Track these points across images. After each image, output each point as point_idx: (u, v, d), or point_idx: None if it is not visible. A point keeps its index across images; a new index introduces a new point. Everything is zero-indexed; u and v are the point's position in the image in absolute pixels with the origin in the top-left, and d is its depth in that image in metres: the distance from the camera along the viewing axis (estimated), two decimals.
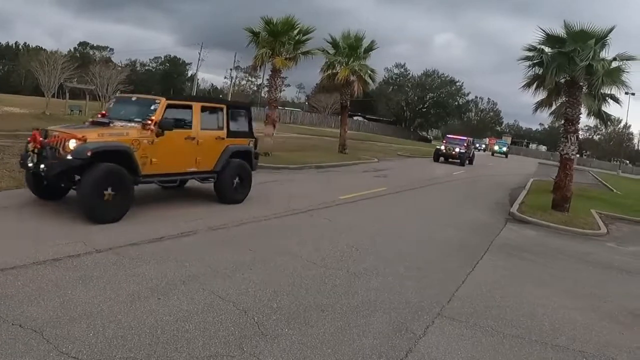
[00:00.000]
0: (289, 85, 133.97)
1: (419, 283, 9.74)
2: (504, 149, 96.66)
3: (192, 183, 15.34)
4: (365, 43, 40.29)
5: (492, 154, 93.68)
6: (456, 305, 8.78)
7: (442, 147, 49.76)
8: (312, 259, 10.35)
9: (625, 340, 8.27)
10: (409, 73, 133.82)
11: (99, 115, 13.69)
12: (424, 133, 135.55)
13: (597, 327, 8.69)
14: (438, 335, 7.36)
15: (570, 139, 22.13)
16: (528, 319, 8.58)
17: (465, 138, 52.61)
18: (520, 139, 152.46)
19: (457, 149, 48.31)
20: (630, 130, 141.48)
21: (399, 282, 9.62)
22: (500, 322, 8.23)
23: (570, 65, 20.96)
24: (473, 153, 53.90)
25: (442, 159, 49.38)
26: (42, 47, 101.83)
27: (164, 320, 6.66)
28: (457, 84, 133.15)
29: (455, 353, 6.86)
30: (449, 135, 57.11)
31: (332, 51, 39.76)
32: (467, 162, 49.23)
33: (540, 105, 25.27)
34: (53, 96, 50.72)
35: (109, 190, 11.14)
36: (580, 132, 25.15)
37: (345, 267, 10.12)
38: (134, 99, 13.89)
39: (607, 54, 21.70)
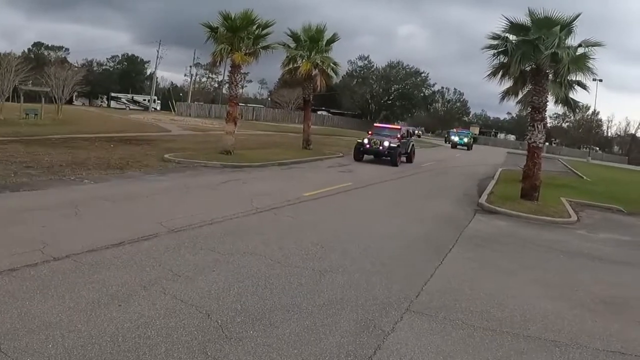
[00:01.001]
0: (250, 81, 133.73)
1: (387, 279, 9.80)
2: (465, 139, 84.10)
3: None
4: (327, 35, 40.16)
5: (453, 147, 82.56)
6: (425, 300, 8.85)
7: (366, 141, 36.53)
8: (276, 258, 10.36)
9: (597, 328, 8.40)
10: (373, 65, 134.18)
11: None
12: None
13: (569, 316, 8.83)
14: (407, 331, 7.43)
15: (538, 127, 22.42)
16: (498, 311, 8.68)
17: (399, 127, 41.62)
18: (489, 128, 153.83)
19: (386, 143, 35.61)
20: (599, 116, 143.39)
21: (365, 278, 9.68)
22: (470, 315, 8.32)
23: (535, 53, 21.26)
24: (412, 147, 41.24)
25: (369, 156, 37.07)
26: None
27: (125, 327, 6.62)
28: (423, 75, 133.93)
29: (424, 348, 6.92)
30: (377, 124, 45.61)
31: (293, 45, 39.57)
32: (401, 159, 37.46)
33: (506, 94, 25.53)
34: (7, 100, 49.86)
35: None
36: (548, 120, 25.47)
37: (310, 265, 10.15)
38: None
39: (572, 41, 22.05)
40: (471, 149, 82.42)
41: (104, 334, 6.39)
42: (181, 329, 6.70)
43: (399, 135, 37.49)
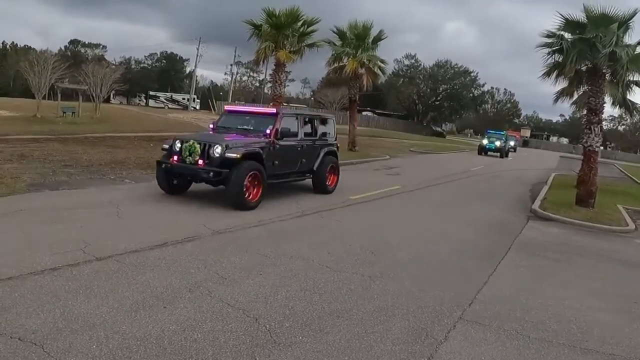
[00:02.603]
0: (293, 80, 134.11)
1: (439, 286, 9.74)
2: (497, 143, 62.51)
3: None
4: (373, 33, 39.66)
5: (481, 152, 63.19)
6: (478, 308, 8.78)
7: (178, 145, 15.51)
8: (324, 262, 10.37)
9: None
10: (420, 64, 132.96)
11: None
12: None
13: (627, 329, 8.67)
14: (460, 340, 7.36)
15: (594, 130, 22.05)
16: (555, 322, 8.57)
17: (273, 111, 17.80)
18: (540, 131, 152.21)
19: (216, 150, 14.77)
20: None
21: (417, 285, 9.63)
22: (525, 325, 8.23)
23: (592, 52, 20.90)
24: (325, 160, 19.26)
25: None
26: (30, 47, 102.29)
27: (170, 330, 6.67)
28: (472, 74, 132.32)
29: (479, 358, 6.86)
30: (229, 107, 20.11)
31: (338, 42, 39.28)
32: (261, 188, 15.33)
33: (560, 94, 25.13)
34: (44, 98, 50.48)
35: None
36: (604, 123, 24.98)
37: (360, 270, 10.13)
38: None
39: (630, 39, 21.65)
40: (506, 156, 64.02)
41: (149, 336, 6.45)
42: (228, 333, 6.73)
43: (267, 132, 16.42)
